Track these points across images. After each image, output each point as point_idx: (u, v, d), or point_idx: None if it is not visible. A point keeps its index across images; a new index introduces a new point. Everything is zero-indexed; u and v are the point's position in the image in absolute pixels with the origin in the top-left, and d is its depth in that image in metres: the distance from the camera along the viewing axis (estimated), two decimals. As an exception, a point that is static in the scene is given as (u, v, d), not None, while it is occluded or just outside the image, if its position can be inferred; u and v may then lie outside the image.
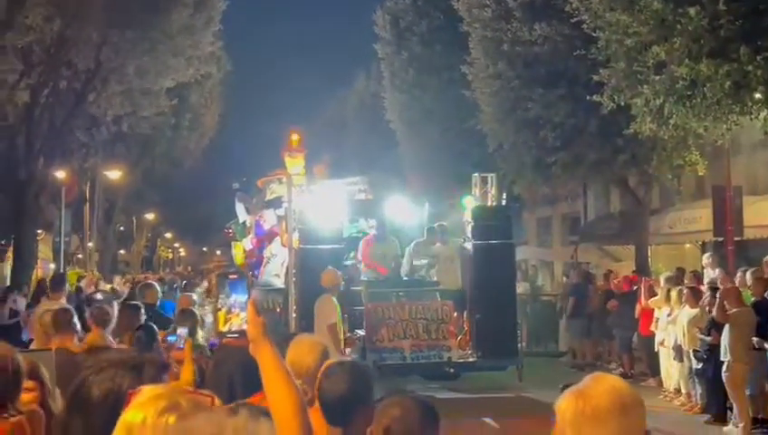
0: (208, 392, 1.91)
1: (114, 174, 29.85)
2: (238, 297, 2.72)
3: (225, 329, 2.54)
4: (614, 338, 16.25)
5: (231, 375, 3.37)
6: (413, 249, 13.71)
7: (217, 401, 1.86)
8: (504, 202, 14.11)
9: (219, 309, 2.84)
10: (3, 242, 21.99)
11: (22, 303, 14.33)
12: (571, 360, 18.02)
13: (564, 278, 22.13)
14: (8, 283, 19.44)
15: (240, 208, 15.92)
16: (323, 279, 10.71)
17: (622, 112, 14.73)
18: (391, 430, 2.71)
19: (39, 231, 24.92)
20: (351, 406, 3.00)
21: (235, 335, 2.45)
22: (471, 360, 12.56)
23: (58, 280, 12.01)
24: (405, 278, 13.55)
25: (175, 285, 22.91)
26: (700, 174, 18.30)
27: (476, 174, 14.15)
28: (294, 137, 13.90)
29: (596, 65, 14.95)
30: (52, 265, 27.14)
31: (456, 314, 12.56)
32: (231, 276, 3.46)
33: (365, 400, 3.18)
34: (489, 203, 13.63)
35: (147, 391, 1.86)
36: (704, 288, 12.52)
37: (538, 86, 18.46)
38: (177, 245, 64.51)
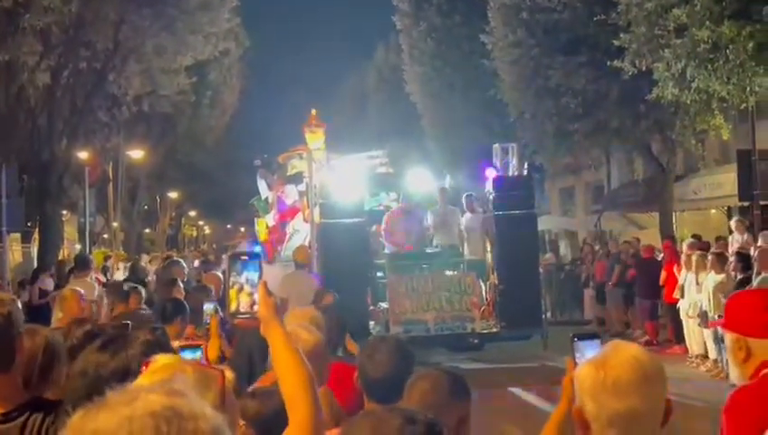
0: (221, 368, 1.93)
1: (137, 153, 29.99)
2: (249, 275, 2.66)
3: (233, 308, 2.52)
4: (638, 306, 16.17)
5: (250, 353, 3.40)
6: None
7: (228, 375, 1.87)
8: (525, 172, 14.01)
9: (231, 287, 2.79)
10: (29, 224, 22.24)
11: (50, 283, 14.50)
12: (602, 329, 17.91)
13: (587, 246, 21.99)
14: (35, 264, 19.68)
15: (262, 185, 15.96)
16: (297, 255, 10.49)
17: (644, 77, 14.56)
18: (422, 403, 2.70)
19: (64, 212, 25.19)
20: (396, 383, 2.98)
21: (246, 316, 2.45)
22: (495, 330, 12.57)
23: (84, 260, 12.28)
24: (428, 250, 13.56)
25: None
26: (724, 138, 18.04)
27: (497, 144, 14.08)
28: (314, 112, 13.89)
29: (616, 30, 14.77)
30: (78, 246, 27.43)
31: (479, 285, 12.56)
32: (242, 257, 3.38)
33: (408, 376, 3.16)
34: (510, 173, 13.57)
35: (160, 358, 1.87)
36: (729, 253, 12.40)
37: (558, 53, 18.26)
38: (201, 223, 64.91)
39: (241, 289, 2.49)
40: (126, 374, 2.16)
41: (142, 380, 1.72)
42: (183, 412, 1.14)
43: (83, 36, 18.60)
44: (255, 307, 2.41)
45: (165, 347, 2.39)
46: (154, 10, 18.98)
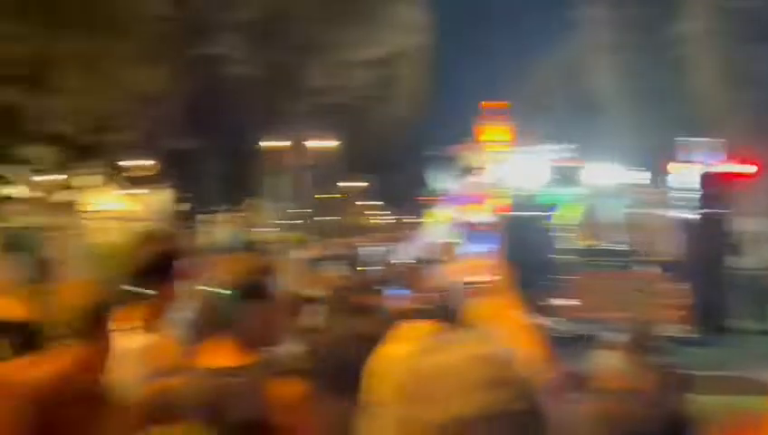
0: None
1: (324, 144, 30.99)
2: (481, 245, 2.66)
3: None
4: None
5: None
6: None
7: None
8: (728, 169, 13.25)
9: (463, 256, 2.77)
10: (226, 208, 23.56)
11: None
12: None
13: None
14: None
15: (438, 177, 16.10)
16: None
17: None
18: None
19: (257, 198, 26.48)
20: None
21: (477, 285, 2.49)
22: (683, 335, 11.98)
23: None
24: (618, 248, 13.16)
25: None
26: None
27: (692, 138, 13.42)
28: (497, 106, 13.83)
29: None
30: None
31: (672, 287, 12.03)
32: (479, 227, 3.37)
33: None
34: (712, 170, 12.90)
35: (414, 325, 1.96)
36: None
37: (759, 42, 17.14)
38: (379, 212, 66.24)
39: (471, 259, 2.57)
40: (373, 337, 2.35)
41: (397, 346, 1.81)
42: (503, 360, 1.16)
43: (278, 31, 19.42)
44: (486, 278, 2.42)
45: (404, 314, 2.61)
46: (343, 4, 19.53)
